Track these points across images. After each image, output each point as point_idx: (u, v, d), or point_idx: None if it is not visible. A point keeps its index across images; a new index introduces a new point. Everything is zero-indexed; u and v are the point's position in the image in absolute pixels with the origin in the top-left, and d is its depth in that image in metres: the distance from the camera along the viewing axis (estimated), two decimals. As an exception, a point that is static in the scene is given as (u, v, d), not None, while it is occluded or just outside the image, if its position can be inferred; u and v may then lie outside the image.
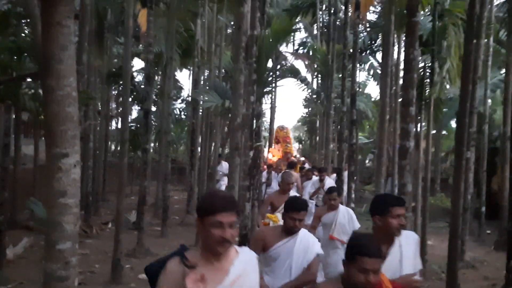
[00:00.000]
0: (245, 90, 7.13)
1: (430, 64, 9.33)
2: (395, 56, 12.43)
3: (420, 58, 9.81)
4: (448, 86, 10.97)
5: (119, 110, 25.20)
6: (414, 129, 9.66)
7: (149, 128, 9.68)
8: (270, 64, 11.07)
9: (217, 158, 15.23)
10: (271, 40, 8.99)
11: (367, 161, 28.61)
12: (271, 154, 16.96)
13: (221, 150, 20.56)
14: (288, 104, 73.40)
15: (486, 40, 10.43)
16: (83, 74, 10.24)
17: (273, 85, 12.62)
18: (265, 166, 14.25)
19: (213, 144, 16.23)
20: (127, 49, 8.17)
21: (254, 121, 7.76)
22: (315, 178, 10.53)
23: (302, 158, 19.12)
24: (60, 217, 2.98)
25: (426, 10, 10.29)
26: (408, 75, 5.21)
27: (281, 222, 4.27)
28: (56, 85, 2.96)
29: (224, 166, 14.02)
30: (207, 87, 11.99)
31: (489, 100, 12.86)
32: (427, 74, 9.86)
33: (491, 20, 10.92)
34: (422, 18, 9.50)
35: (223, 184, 14.02)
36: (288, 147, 16.51)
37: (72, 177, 3.02)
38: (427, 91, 9.57)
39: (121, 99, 22.15)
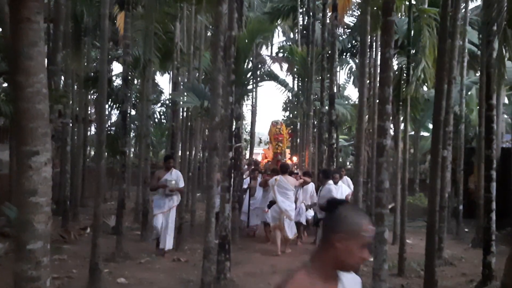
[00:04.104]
0: (223, 91, 7.12)
1: (406, 65, 9.47)
2: (373, 56, 12.60)
3: (395, 60, 9.98)
4: (425, 87, 11.16)
5: (98, 115, 24.83)
6: (392, 129, 9.81)
7: (127, 130, 9.56)
8: (249, 66, 11.10)
9: (165, 163, 9.48)
10: (246, 41, 9.03)
11: (348, 163, 28.85)
12: (263, 155, 15.38)
13: (201, 153, 20.36)
14: (269, 106, 73.78)
15: (461, 41, 10.63)
16: (58, 74, 10.08)
17: (252, 86, 12.64)
18: (247, 168, 12.82)
19: (194, 147, 16.11)
20: (103, 51, 8.07)
21: (234, 122, 7.77)
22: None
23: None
24: (31, 216, 2.93)
25: (401, 12, 10.44)
26: (384, 74, 5.27)
27: None
28: (26, 81, 2.91)
29: (174, 175, 9.24)
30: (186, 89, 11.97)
31: (464, 102, 13.06)
32: (404, 75, 10.02)
33: (466, 21, 11.15)
34: (397, 21, 9.65)
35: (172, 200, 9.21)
36: (280, 146, 13.94)
37: (43, 175, 2.97)
38: (404, 91, 9.71)
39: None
